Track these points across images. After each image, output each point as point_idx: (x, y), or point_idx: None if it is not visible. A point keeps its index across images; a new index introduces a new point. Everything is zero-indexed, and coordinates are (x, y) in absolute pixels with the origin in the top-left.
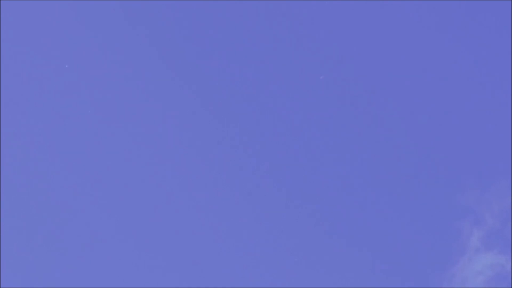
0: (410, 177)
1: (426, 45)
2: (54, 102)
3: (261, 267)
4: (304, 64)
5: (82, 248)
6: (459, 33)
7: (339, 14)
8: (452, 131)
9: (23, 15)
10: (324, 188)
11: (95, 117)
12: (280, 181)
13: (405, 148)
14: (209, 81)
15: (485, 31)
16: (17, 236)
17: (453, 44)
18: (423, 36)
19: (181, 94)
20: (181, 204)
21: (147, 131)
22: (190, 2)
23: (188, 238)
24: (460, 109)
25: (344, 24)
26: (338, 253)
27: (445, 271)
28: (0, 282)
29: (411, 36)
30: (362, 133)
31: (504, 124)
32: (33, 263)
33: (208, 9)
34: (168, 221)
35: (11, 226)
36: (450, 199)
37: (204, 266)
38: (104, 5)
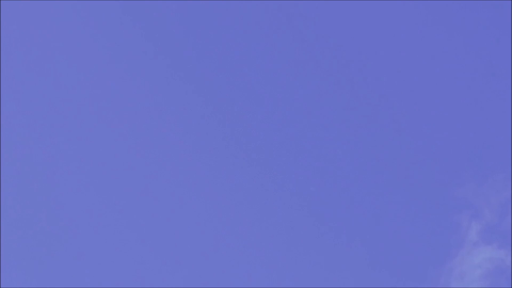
0: (408, 171)
1: (426, 45)
2: (54, 102)
3: (261, 267)
4: (304, 64)
5: (82, 248)
6: (459, 33)
7: (339, 14)
8: (450, 125)
9: (23, 15)
10: (323, 185)
11: (95, 117)
12: (278, 179)
13: (402, 142)
14: (209, 81)
15: (485, 31)
16: (17, 236)
17: (453, 44)
18: (423, 36)
19: (181, 94)
20: (181, 204)
21: (146, 131)
22: (190, 2)
23: (188, 238)
24: (458, 104)
25: (345, 24)
26: (337, 249)
27: (444, 265)
28: (0, 282)
29: (411, 36)
30: (360, 128)
31: (502, 118)
32: (33, 263)
33: (208, 9)
34: (168, 221)
35: (11, 226)
36: (448, 193)
37: (204, 266)
38: (104, 5)
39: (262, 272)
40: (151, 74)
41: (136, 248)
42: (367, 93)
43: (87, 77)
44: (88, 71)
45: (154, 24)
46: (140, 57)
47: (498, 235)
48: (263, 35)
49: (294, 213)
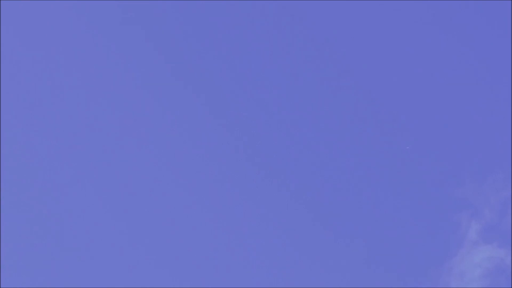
0: (408, 171)
1: (426, 45)
2: (54, 101)
3: (261, 267)
4: (304, 64)
5: (82, 248)
6: (459, 33)
7: (339, 14)
8: (450, 125)
9: (23, 15)
10: (324, 185)
11: (95, 117)
12: (277, 179)
13: (403, 142)
14: (209, 81)
15: (485, 31)
16: (17, 236)
17: (453, 44)
18: (423, 36)
19: (181, 94)
20: (181, 204)
21: (146, 131)
22: (190, 2)
23: (188, 238)
24: (458, 104)
25: (345, 24)
26: (337, 249)
27: (443, 264)
28: (0, 282)
29: (411, 36)
30: (360, 129)
31: (501, 118)
32: (33, 263)
33: (208, 9)
34: (168, 221)
35: (11, 226)
36: (448, 193)
37: (204, 266)
38: (104, 5)
39: (263, 272)
40: (150, 74)
41: (136, 248)
42: (367, 94)
43: (87, 77)
44: (87, 70)
45: (154, 24)
46: (139, 57)
47: (498, 235)
48: (263, 35)
49: (294, 213)
